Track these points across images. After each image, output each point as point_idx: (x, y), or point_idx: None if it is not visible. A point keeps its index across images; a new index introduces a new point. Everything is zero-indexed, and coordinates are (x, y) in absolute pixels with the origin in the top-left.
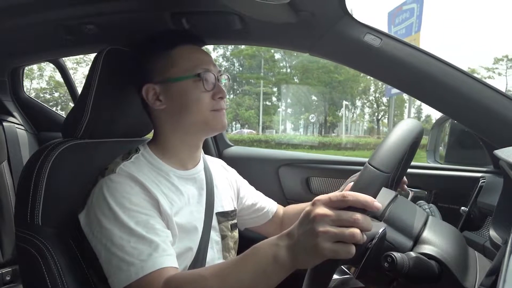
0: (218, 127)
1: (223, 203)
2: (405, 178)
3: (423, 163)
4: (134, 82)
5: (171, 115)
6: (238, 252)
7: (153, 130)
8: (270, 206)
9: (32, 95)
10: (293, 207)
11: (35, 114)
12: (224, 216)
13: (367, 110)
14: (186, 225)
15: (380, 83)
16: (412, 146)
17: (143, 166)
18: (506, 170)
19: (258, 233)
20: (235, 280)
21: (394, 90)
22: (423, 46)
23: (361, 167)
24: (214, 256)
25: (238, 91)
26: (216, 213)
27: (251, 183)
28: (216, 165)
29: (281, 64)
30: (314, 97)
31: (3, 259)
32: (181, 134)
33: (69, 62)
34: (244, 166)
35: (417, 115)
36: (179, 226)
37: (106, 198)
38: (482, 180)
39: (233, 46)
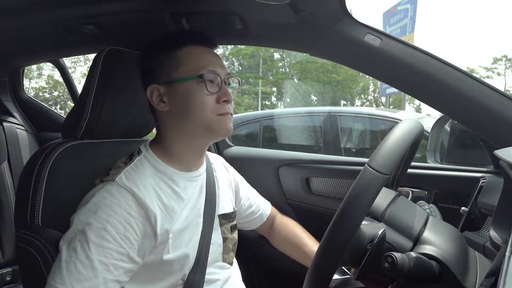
0: (222, 132)
1: (224, 205)
2: None
3: (423, 163)
4: (140, 82)
5: (174, 117)
6: (236, 253)
7: (156, 131)
8: (264, 208)
9: (31, 94)
10: (285, 226)
11: (35, 115)
12: (225, 218)
13: None
14: (184, 230)
15: (378, 82)
16: (413, 146)
17: (145, 170)
18: (506, 170)
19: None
20: None
21: (389, 90)
22: (422, 45)
23: (362, 167)
24: (215, 258)
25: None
26: (219, 215)
27: (251, 183)
28: (218, 163)
29: (280, 64)
30: (313, 97)
31: (3, 259)
32: (184, 138)
33: (67, 61)
34: (244, 166)
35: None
36: (177, 232)
37: (90, 212)
38: (482, 180)
39: (232, 45)
